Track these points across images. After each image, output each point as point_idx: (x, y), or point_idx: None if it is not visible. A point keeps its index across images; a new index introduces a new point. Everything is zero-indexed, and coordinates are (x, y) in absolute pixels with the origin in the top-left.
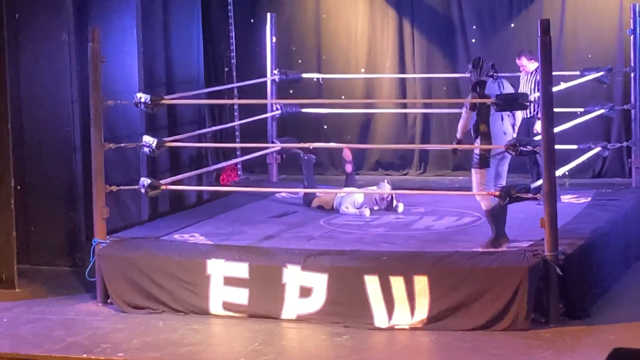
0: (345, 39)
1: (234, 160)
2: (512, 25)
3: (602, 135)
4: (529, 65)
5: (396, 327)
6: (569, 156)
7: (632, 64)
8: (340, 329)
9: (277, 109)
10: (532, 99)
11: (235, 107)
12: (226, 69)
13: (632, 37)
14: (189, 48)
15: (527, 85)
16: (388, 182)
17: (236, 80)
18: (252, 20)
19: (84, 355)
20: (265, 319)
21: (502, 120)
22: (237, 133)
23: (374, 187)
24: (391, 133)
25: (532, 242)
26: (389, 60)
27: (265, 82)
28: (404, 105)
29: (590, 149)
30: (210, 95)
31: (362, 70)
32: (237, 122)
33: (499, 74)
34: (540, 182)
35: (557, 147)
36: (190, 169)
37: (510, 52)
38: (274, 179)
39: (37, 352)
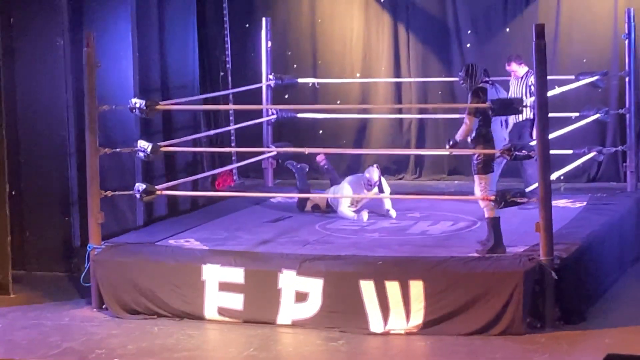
0: (340, 44)
1: (229, 166)
2: (507, 29)
3: (597, 140)
4: (519, 70)
5: (392, 332)
6: (564, 160)
7: (627, 68)
8: (335, 334)
9: (272, 114)
10: (527, 104)
11: (231, 111)
12: (221, 74)
13: (626, 42)
14: (184, 53)
15: (519, 90)
16: (377, 167)
17: (231, 84)
18: (247, 25)
19: None
20: (261, 324)
21: (502, 125)
22: (232, 138)
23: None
24: (387, 137)
25: (527, 247)
26: (384, 65)
27: (261, 87)
28: (400, 110)
29: (585, 153)
30: (205, 100)
31: (358, 74)
32: (232, 127)
33: (492, 79)
34: (534, 186)
35: (552, 151)
36: (185, 174)
37: (505, 56)
38: (269, 183)
39: (32, 357)
